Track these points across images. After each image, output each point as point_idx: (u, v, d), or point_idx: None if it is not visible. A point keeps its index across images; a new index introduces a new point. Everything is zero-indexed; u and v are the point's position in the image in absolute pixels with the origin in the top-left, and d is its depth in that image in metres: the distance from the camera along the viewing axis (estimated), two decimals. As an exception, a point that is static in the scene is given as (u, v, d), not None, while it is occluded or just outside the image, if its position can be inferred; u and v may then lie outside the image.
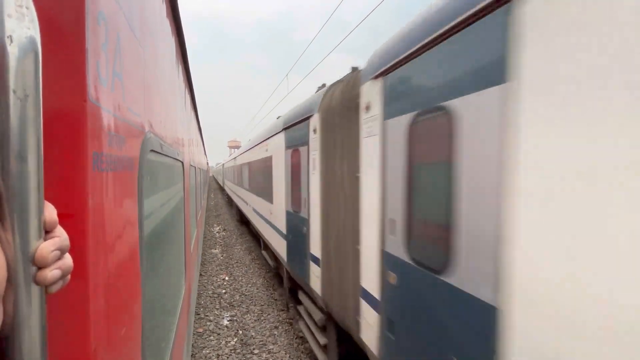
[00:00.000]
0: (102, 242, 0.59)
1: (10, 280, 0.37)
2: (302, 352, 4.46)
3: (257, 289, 6.88)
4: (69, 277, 0.44)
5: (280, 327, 5.19)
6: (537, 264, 1.16)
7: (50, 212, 0.42)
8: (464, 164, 1.55)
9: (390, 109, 2.20)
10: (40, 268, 0.39)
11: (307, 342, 4.10)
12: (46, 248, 0.40)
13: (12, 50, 0.37)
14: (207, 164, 24.68)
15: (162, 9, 1.44)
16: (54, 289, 0.42)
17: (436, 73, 1.77)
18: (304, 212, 4.07)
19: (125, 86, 0.79)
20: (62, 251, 0.42)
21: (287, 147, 4.76)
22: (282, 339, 4.83)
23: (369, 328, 2.53)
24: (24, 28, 0.38)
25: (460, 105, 1.57)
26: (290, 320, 5.38)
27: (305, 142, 3.93)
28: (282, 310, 5.81)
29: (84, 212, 0.53)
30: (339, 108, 3.04)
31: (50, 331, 0.47)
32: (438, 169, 1.75)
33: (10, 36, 0.37)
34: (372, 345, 2.49)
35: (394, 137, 2.15)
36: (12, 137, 0.38)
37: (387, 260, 2.28)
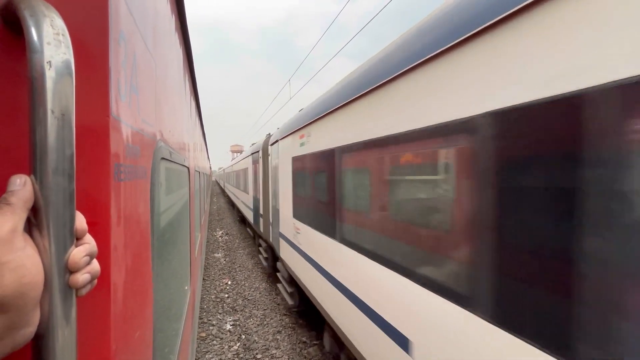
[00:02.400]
0: (121, 248, 0.63)
1: (46, 284, 0.41)
2: (304, 357, 4.46)
3: (260, 293, 6.89)
4: (95, 281, 0.48)
5: (283, 332, 5.20)
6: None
7: (81, 221, 0.46)
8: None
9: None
10: (72, 272, 0.43)
11: (310, 346, 4.12)
12: (78, 254, 0.43)
13: (51, 75, 0.41)
14: (210, 168, 24.58)
15: (172, 22, 1.49)
16: (83, 292, 0.45)
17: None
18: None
19: (140, 99, 0.83)
20: (91, 257, 0.46)
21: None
22: (285, 344, 4.84)
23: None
24: (61, 54, 0.42)
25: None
26: (293, 325, 5.39)
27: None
28: (285, 314, 5.82)
29: (107, 220, 0.57)
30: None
31: (77, 332, 0.51)
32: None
33: (50, 62, 0.41)
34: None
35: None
36: (50, 154, 0.41)
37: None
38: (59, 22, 0.44)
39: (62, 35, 0.43)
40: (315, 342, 4.82)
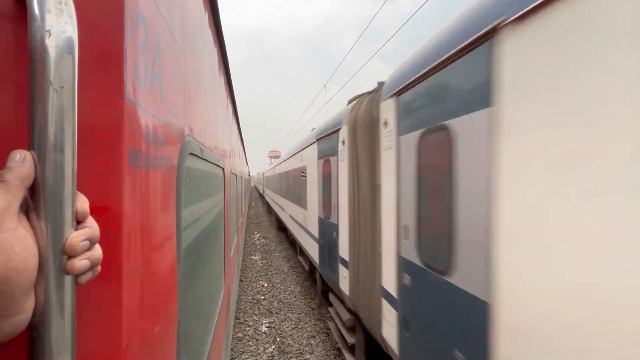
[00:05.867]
0: (137, 237, 0.60)
1: (42, 268, 0.38)
2: (339, 364, 4.36)
3: (295, 297, 6.89)
4: (99, 268, 0.44)
5: (317, 337, 5.13)
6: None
7: (82, 202, 0.43)
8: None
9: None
10: (70, 257, 0.40)
11: (344, 354, 4.01)
12: (76, 237, 0.40)
13: (50, 44, 0.38)
14: (249, 174, 25.30)
15: (204, 19, 1.50)
16: (84, 279, 0.42)
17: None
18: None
19: (164, 89, 0.81)
20: (92, 242, 0.42)
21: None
22: (319, 349, 4.76)
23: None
24: (62, 23, 0.40)
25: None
26: (328, 330, 5.29)
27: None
28: (320, 319, 5.75)
29: (120, 206, 0.54)
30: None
31: (83, 323, 0.48)
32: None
33: (49, 30, 0.38)
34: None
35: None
36: (49, 128, 0.39)
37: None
38: None
39: (65, 4, 0.41)
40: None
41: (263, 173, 19.27)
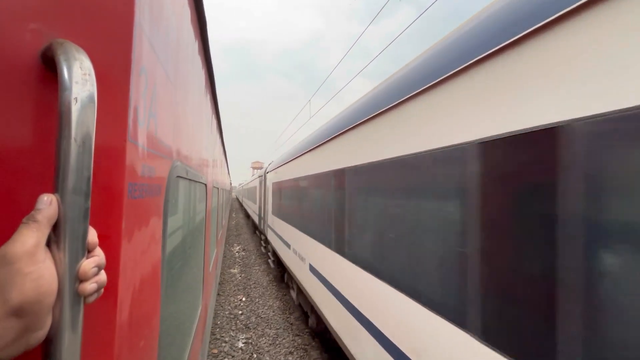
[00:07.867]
0: (130, 260, 0.68)
1: (58, 292, 0.46)
2: (315, 380, 4.35)
3: (274, 312, 6.84)
4: (102, 290, 0.53)
5: (295, 353, 5.11)
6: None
7: (92, 235, 0.51)
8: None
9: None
10: (81, 281, 0.48)
11: (321, 369, 4.02)
12: (88, 265, 0.49)
13: (76, 108, 0.48)
14: (231, 184, 25.07)
15: (195, 46, 1.61)
16: (91, 299, 0.50)
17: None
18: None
19: (158, 123, 0.90)
20: (100, 268, 0.51)
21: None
22: (296, 365, 4.74)
23: None
24: (86, 90, 0.49)
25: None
26: (306, 346, 5.29)
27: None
28: (298, 335, 5.73)
29: (118, 234, 0.62)
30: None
31: (84, 337, 0.56)
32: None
33: (76, 98, 0.48)
34: None
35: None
36: (70, 175, 0.48)
37: None
38: (87, 64, 0.51)
39: (89, 74, 0.51)
40: (326, 365, 4.70)
41: (264, 173, 11.15)
